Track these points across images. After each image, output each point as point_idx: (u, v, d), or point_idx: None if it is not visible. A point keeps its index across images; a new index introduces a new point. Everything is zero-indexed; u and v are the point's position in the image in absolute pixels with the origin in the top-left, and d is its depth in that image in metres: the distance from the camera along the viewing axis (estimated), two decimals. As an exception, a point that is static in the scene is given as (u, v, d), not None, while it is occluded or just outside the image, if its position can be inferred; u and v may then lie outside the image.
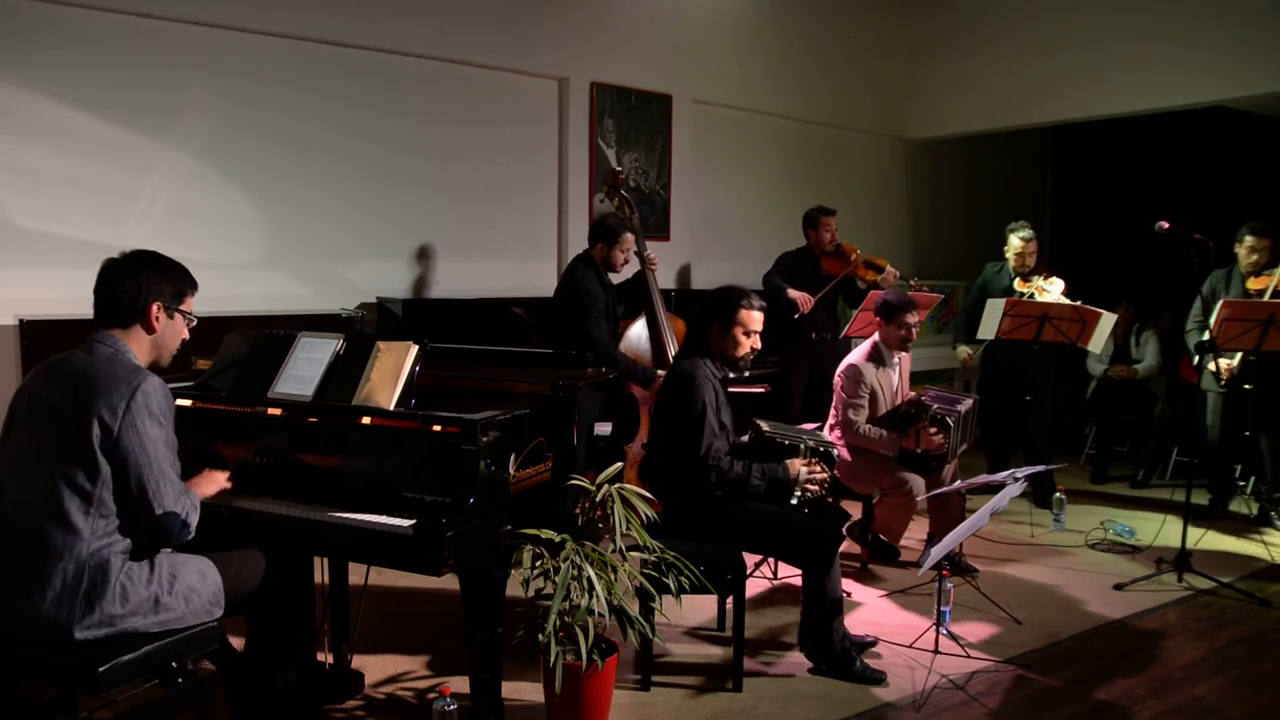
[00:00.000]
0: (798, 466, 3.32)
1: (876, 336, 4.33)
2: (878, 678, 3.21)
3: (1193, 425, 5.59)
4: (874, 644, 3.49)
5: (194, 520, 2.31)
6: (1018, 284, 5.39)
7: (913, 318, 4.25)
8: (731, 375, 3.51)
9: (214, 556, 2.40)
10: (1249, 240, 5.06)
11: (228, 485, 2.65)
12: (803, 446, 3.38)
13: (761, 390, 5.22)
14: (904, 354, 4.46)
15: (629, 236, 4.48)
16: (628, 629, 2.73)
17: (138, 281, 2.32)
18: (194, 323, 2.46)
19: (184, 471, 2.43)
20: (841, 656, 3.24)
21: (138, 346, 2.34)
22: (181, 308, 2.41)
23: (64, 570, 2.14)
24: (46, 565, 2.14)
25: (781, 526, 3.26)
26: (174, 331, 2.41)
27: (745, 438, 3.57)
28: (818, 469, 3.36)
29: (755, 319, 3.39)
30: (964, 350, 5.76)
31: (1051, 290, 5.25)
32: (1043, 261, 5.50)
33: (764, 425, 3.45)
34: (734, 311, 3.36)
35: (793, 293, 5.36)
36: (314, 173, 5.02)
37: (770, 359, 5.35)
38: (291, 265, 4.99)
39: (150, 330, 2.35)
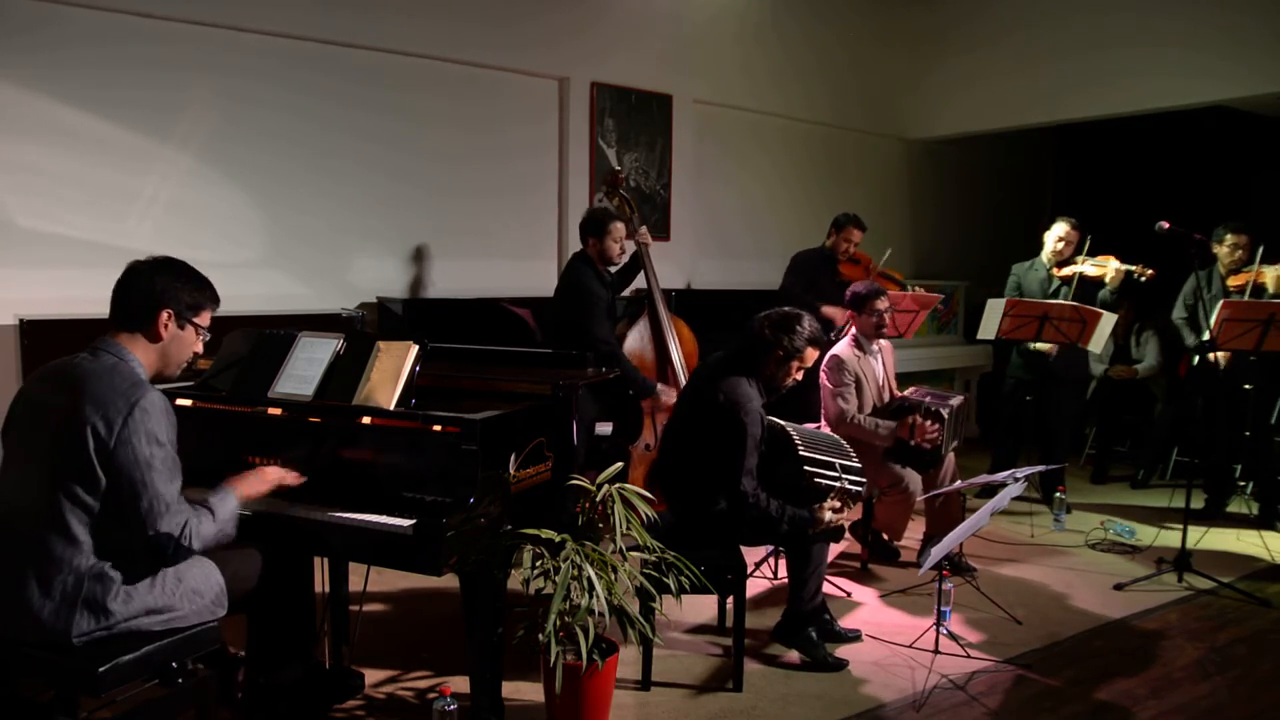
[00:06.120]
0: (827, 516, 3.24)
1: (853, 329, 4.35)
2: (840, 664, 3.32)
3: (1193, 425, 5.58)
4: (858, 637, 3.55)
5: (196, 538, 2.20)
6: (1055, 272, 5.38)
7: (882, 303, 4.28)
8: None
9: (213, 556, 2.39)
10: (1230, 239, 5.16)
11: (291, 482, 2.55)
12: (838, 487, 3.32)
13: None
14: (884, 342, 4.48)
15: (618, 225, 4.41)
16: (628, 629, 2.73)
17: (154, 284, 2.27)
18: (207, 337, 2.40)
19: (186, 475, 2.42)
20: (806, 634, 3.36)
21: (143, 354, 2.28)
22: (195, 320, 2.34)
23: (64, 581, 2.12)
24: (47, 574, 2.12)
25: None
26: (183, 342, 2.34)
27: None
28: (844, 513, 3.31)
29: (812, 357, 3.40)
30: (1044, 345, 5.74)
31: (1107, 265, 5.21)
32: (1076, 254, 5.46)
33: (800, 446, 3.36)
34: (803, 350, 3.34)
35: (828, 310, 5.12)
36: (314, 173, 5.02)
37: None
38: (292, 265, 4.99)
39: (155, 338, 2.29)
